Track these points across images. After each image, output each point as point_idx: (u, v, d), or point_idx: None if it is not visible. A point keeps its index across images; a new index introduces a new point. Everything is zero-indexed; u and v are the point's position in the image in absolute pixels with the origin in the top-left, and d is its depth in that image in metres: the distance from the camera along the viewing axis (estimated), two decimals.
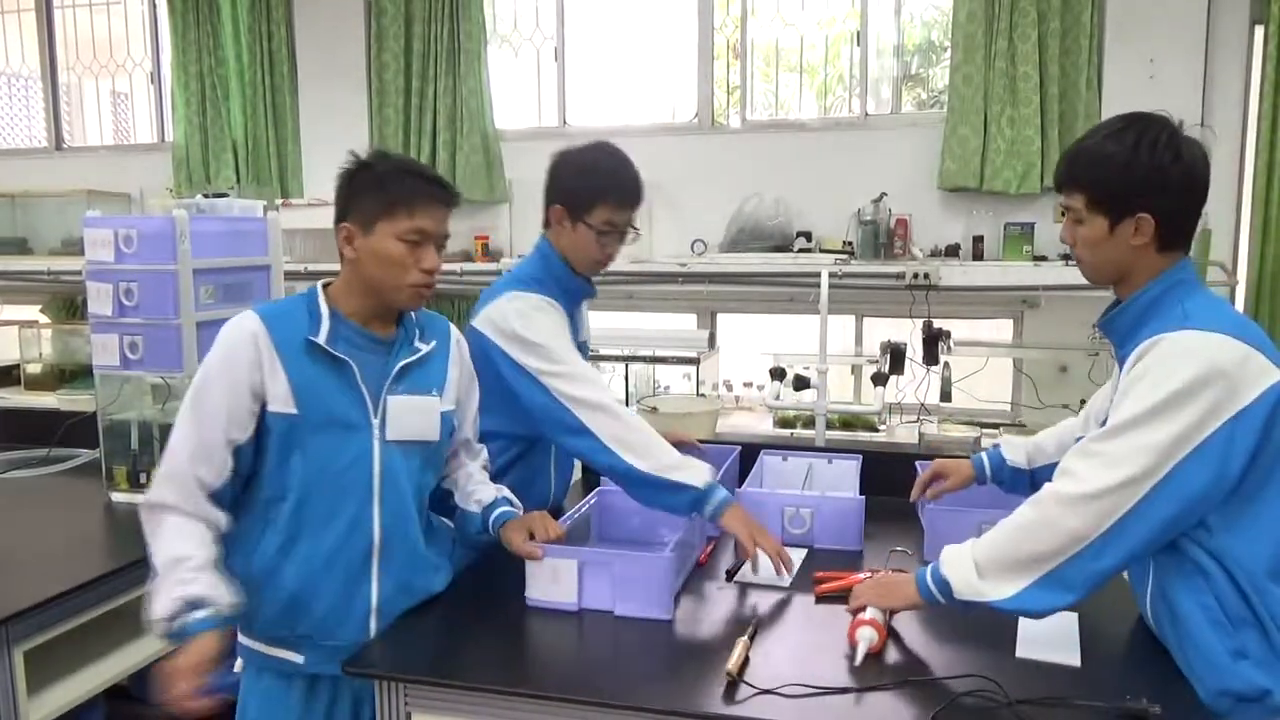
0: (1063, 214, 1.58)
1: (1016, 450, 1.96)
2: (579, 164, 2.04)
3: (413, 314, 1.76)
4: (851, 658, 1.53)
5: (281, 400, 1.60)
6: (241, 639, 1.70)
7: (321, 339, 1.62)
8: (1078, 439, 1.73)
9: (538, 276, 2.06)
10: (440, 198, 1.66)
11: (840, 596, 1.76)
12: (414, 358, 1.71)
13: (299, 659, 1.67)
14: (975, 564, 1.48)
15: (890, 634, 1.61)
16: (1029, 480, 1.94)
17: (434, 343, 1.75)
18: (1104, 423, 1.47)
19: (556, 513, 2.21)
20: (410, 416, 1.69)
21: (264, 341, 1.60)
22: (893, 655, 1.56)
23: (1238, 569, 1.38)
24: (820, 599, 1.80)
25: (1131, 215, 1.46)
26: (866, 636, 1.54)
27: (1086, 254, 1.54)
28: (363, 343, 1.67)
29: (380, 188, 1.63)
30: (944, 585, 1.51)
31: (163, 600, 1.53)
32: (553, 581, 1.72)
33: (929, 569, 1.55)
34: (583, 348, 2.31)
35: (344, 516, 1.64)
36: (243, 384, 1.59)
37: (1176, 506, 1.36)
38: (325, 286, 1.70)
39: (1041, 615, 1.46)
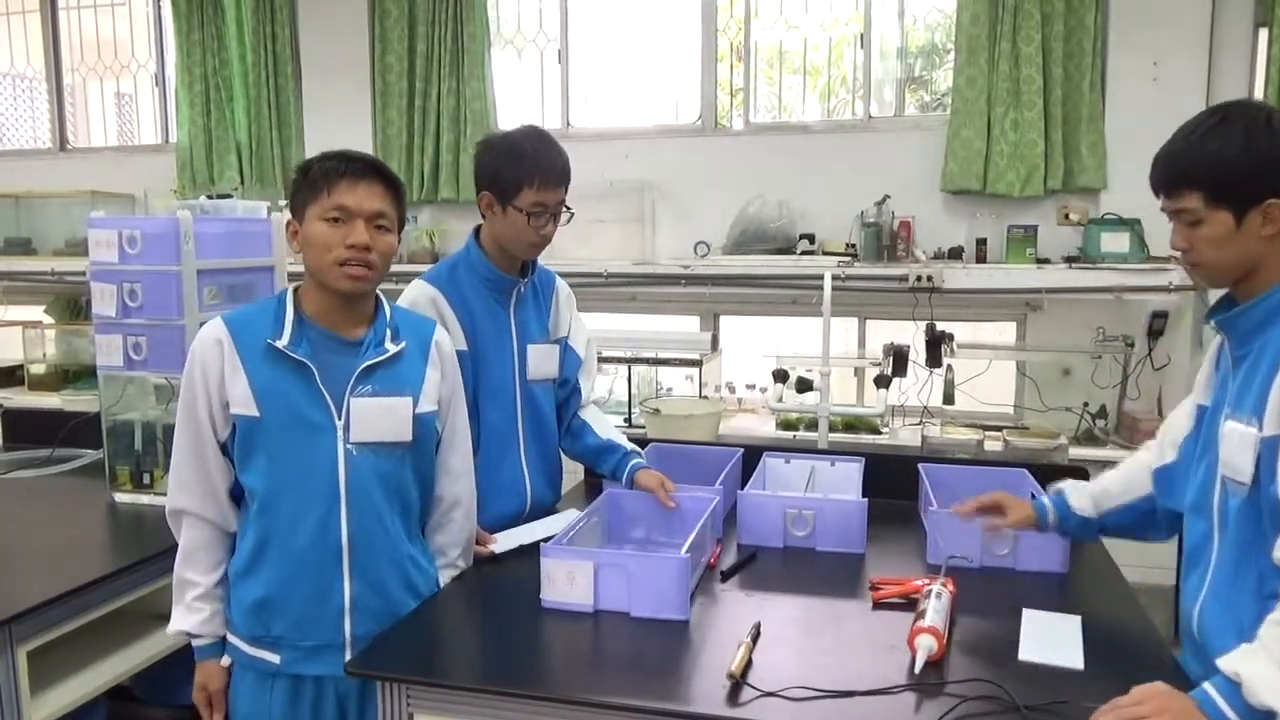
0: (1176, 214, 1.46)
1: (1082, 497, 1.82)
2: (502, 149, 2.02)
3: (386, 314, 1.74)
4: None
5: (243, 402, 1.63)
6: (228, 636, 1.72)
7: (282, 342, 1.63)
8: (1156, 469, 1.69)
9: (449, 265, 2.14)
10: (356, 172, 1.64)
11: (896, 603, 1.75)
12: (380, 358, 1.69)
13: (275, 659, 1.68)
14: None
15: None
16: (1098, 527, 1.82)
17: (404, 343, 1.73)
18: (1197, 433, 1.48)
19: (544, 512, 2.21)
20: (376, 418, 1.67)
21: (227, 346, 1.65)
22: (896, 660, 1.56)
23: None
24: (878, 605, 1.79)
25: (1258, 204, 1.40)
26: (926, 645, 1.51)
27: (1212, 254, 1.46)
28: (327, 344, 1.68)
29: (304, 176, 1.66)
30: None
31: (175, 618, 1.73)
32: (568, 583, 1.72)
33: (1229, 701, 1.28)
34: (562, 344, 2.27)
35: (311, 518, 1.65)
36: (212, 388, 1.65)
37: None
38: (297, 290, 1.71)
39: None
